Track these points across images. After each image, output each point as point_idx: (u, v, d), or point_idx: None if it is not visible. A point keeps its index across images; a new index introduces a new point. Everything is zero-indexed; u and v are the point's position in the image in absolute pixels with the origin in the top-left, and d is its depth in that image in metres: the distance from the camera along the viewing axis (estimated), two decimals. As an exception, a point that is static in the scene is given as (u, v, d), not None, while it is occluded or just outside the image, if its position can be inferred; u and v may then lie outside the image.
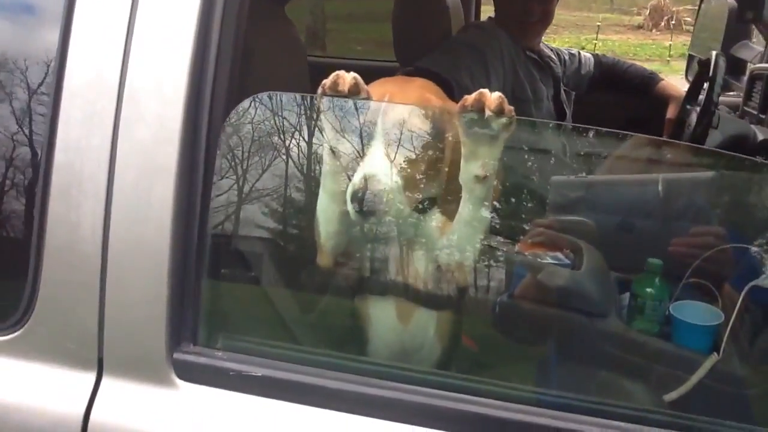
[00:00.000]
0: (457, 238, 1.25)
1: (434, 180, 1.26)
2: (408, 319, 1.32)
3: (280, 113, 1.29)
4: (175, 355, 1.16)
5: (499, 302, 1.30)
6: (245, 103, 1.20)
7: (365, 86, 1.22)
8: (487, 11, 2.88)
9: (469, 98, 1.16)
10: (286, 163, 1.31)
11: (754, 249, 1.25)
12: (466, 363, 1.37)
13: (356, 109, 1.23)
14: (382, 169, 1.21)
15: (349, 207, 1.20)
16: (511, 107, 1.16)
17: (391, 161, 1.22)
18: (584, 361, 1.31)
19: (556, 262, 1.28)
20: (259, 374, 1.14)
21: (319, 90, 1.22)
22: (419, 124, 1.26)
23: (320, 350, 1.26)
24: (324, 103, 1.23)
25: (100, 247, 1.14)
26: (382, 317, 1.32)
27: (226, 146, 1.21)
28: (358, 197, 1.18)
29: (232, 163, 1.27)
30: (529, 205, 1.34)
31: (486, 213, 1.23)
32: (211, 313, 1.20)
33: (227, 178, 1.25)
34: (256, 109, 1.24)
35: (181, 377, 1.16)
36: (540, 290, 1.30)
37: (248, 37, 1.22)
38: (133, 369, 1.18)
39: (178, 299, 1.14)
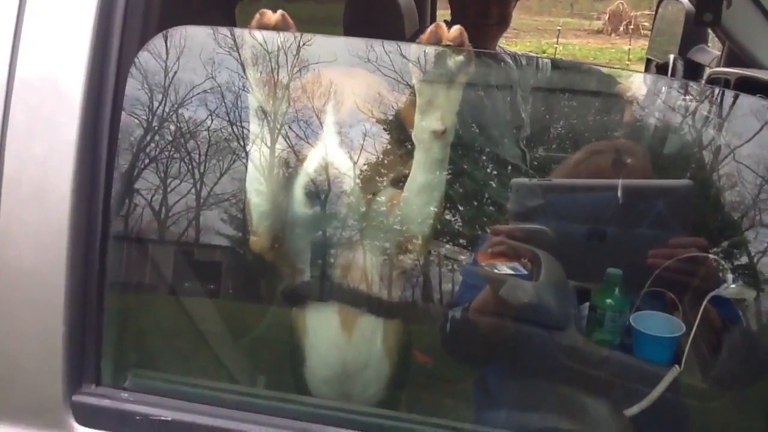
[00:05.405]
0: (410, 210, 1.14)
1: (392, 161, 1.18)
2: (352, 328, 1.19)
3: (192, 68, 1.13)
4: (75, 398, 1.05)
5: (451, 318, 1.24)
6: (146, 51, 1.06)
7: (292, 23, 1.12)
8: (444, 14, 2.84)
9: (425, 33, 1.08)
10: (206, 147, 1.16)
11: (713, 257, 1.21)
12: (419, 380, 1.30)
13: (290, 57, 1.12)
14: (340, 155, 1.12)
15: (301, 200, 1.11)
16: (469, 43, 1.08)
17: (347, 147, 1.14)
18: (542, 377, 1.25)
19: (514, 272, 1.23)
20: (169, 418, 1.03)
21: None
22: (372, 97, 1.17)
23: (245, 388, 1.14)
24: (250, 54, 1.10)
25: None
26: (323, 328, 1.19)
27: (127, 140, 1.09)
28: (315, 190, 1.09)
29: (136, 159, 1.12)
30: (486, 204, 1.26)
31: (443, 178, 1.13)
32: (118, 346, 1.09)
33: (133, 178, 1.12)
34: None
35: (81, 423, 1.06)
36: (498, 305, 1.24)
37: None
38: (26, 416, 1.07)
39: (78, 332, 1.03)
